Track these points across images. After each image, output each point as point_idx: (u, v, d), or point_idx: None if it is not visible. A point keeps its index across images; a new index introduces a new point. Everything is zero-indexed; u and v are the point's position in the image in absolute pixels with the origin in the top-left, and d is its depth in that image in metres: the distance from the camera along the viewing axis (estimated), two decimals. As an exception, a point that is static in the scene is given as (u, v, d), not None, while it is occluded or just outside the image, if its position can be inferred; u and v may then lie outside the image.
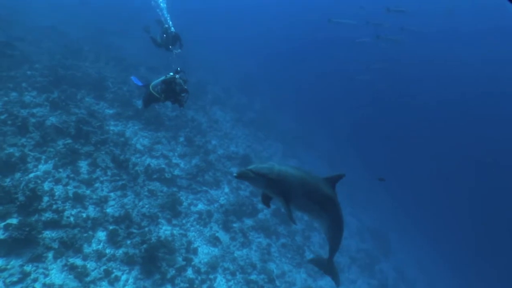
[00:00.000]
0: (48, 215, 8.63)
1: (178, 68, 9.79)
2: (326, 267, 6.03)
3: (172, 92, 9.65)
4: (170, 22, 13.51)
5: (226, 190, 14.96)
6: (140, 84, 11.34)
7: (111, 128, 13.54)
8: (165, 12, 14.44)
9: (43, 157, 10.22)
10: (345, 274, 16.14)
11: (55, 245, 8.20)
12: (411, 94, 44.80)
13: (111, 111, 14.58)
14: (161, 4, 14.59)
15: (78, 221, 9.10)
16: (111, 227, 9.67)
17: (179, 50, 13.26)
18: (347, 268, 16.63)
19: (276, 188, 4.62)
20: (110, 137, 12.78)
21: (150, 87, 9.84)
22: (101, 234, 9.41)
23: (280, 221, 15.32)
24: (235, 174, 4.48)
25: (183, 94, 9.58)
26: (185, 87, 9.59)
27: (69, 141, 11.20)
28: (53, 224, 8.59)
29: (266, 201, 5.30)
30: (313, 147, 28.26)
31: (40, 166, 9.90)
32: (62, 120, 11.73)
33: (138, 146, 13.72)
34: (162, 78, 9.85)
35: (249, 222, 14.14)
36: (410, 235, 27.18)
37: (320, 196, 4.89)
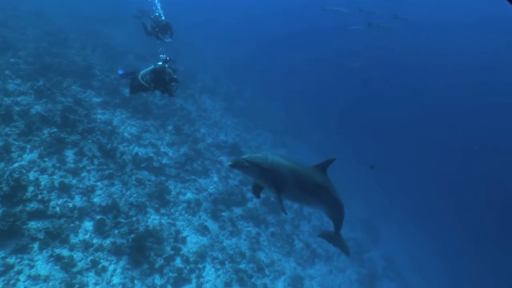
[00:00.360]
0: (33, 205, 8.48)
1: (167, 58, 9.63)
2: (334, 240, 5.96)
3: (161, 81, 9.49)
4: (161, 11, 13.18)
5: (215, 179, 14.88)
6: (126, 72, 11.10)
7: (98, 116, 13.33)
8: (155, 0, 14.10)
9: (28, 146, 10.02)
10: (334, 263, 16.07)
11: (41, 235, 8.07)
12: (402, 83, 44.87)
13: (98, 100, 14.35)
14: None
15: (64, 211, 8.97)
16: (98, 217, 9.56)
17: (169, 40, 12.98)
18: (336, 257, 16.54)
19: (269, 178, 4.60)
20: (97, 125, 12.58)
21: (139, 76, 9.67)
22: (88, 224, 9.29)
23: (269, 210, 15.28)
24: (229, 163, 4.50)
25: (172, 84, 9.42)
26: (175, 76, 9.43)
27: (55, 130, 11.00)
28: (38, 215, 8.46)
29: (257, 191, 5.37)
30: (302, 137, 28.13)
31: (25, 156, 9.71)
32: (47, 108, 11.51)
33: (126, 134, 13.55)
34: (151, 67, 9.69)
35: (238, 211, 14.09)
36: (399, 223, 27.15)
37: (311, 186, 4.86)
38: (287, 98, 34.06)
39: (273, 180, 4.59)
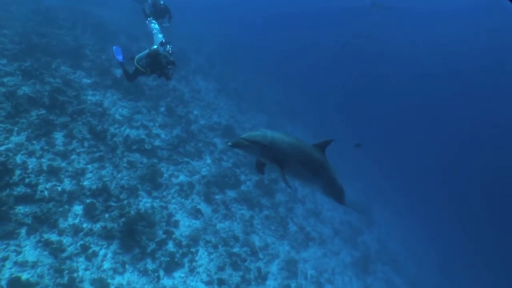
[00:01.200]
0: (20, 190, 8.22)
1: (163, 40, 9.50)
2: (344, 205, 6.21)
3: (158, 65, 9.42)
4: None
5: (208, 161, 14.69)
6: (120, 59, 10.91)
7: (89, 98, 12.98)
8: None
9: (15, 128, 9.71)
10: (328, 246, 16.06)
11: (28, 220, 7.85)
12: (403, 70, 44.66)
13: (88, 81, 13.97)
14: None
15: (53, 195, 8.74)
16: (88, 201, 9.35)
17: (168, 24, 12.71)
18: (330, 240, 16.58)
19: (270, 155, 4.69)
20: (87, 107, 12.25)
21: (135, 61, 9.53)
22: (78, 208, 9.08)
23: (263, 193, 15.17)
24: (229, 144, 4.63)
25: (169, 67, 9.27)
26: (171, 59, 9.24)
27: (43, 111, 10.67)
28: (26, 199, 8.21)
29: (260, 168, 5.41)
30: (298, 119, 27.99)
31: (12, 138, 9.41)
32: (35, 89, 11.14)
33: (117, 116, 13.24)
34: (146, 51, 9.59)
35: (231, 194, 13.95)
36: (394, 206, 27.35)
37: (312, 162, 4.98)
38: (283, 80, 33.73)
39: (274, 157, 4.70)
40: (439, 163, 39.01)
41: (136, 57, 9.65)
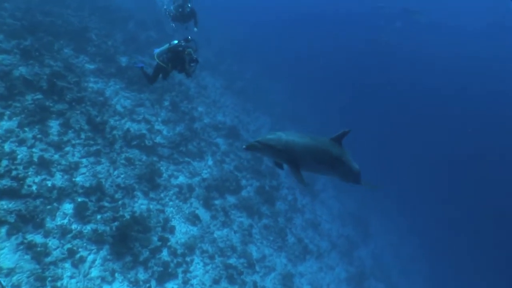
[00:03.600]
0: (5, 183, 7.36)
1: (189, 37, 8.82)
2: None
3: (180, 60, 8.72)
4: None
5: (210, 162, 13.93)
6: (141, 65, 10.18)
7: (90, 85, 12.13)
8: None
9: (7, 112, 8.88)
10: (325, 260, 15.57)
11: (11, 218, 7.00)
12: (407, 79, 44.17)
13: (91, 66, 13.09)
14: None
15: (41, 191, 7.91)
16: (79, 199, 8.54)
17: (196, 29, 11.96)
18: (327, 254, 16.01)
19: (285, 157, 4.89)
20: (88, 95, 11.40)
21: (155, 56, 8.84)
22: (68, 207, 8.27)
23: (263, 200, 14.54)
24: (244, 146, 4.88)
25: (192, 64, 8.58)
26: (195, 57, 8.53)
27: (40, 96, 9.81)
28: (10, 193, 7.36)
29: (279, 164, 5.52)
30: (302, 123, 27.25)
31: (2, 123, 8.58)
32: (33, 72, 10.26)
33: (118, 107, 12.42)
34: (166, 46, 8.92)
35: (231, 199, 13.25)
36: (389, 218, 27.00)
37: (328, 159, 5.12)
38: (290, 82, 33.10)
39: (289, 158, 4.88)
40: (438, 173, 38.67)
41: (156, 52, 8.96)
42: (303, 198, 17.89)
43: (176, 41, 8.74)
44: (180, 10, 11.74)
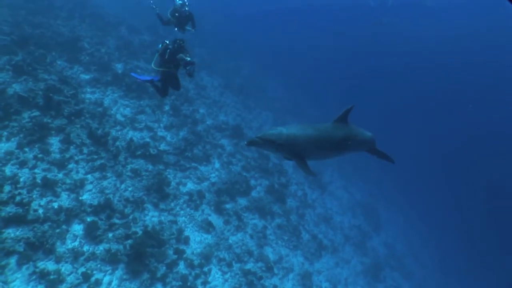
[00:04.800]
0: (10, 210, 6.93)
1: (178, 39, 8.40)
2: (376, 154, 6.14)
3: (175, 62, 8.26)
4: (186, 0, 11.43)
5: (217, 165, 13.54)
6: (146, 78, 9.68)
7: (87, 96, 11.67)
8: None
9: (4, 133, 8.44)
10: (340, 254, 15.34)
11: (20, 247, 6.59)
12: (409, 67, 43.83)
13: (87, 76, 12.60)
14: None
15: (48, 214, 7.49)
16: (89, 219, 8.12)
17: (192, 30, 11.50)
18: (341, 247, 15.77)
19: (288, 151, 4.84)
20: (86, 107, 10.94)
21: (152, 65, 8.56)
22: (77, 228, 7.86)
23: (274, 199, 14.22)
24: (245, 142, 4.87)
25: (188, 67, 8.10)
26: (188, 59, 8.02)
27: (37, 113, 9.35)
28: (16, 220, 6.94)
29: (287, 156, 5.31)
30: (302, 115, 26.93)
31: (0, 145, 8.15)
32: (27, 88, 9.79)
33: (119, 116, 11.97)
34: (156, 54, 8.54)
35: (243, 201, 12.88)
36: (397, 205, 26.99)
37: (334, 143, 5.10)
38: (286, 75, 32.76)
39: (292, 152, 4.83)
40: (441, 160, 38.47)
41: (152, 65, 8.57)
42: (312, 192, 17.64)
43: (160, 45, 8.38)
44: (176, 15, 11.23)
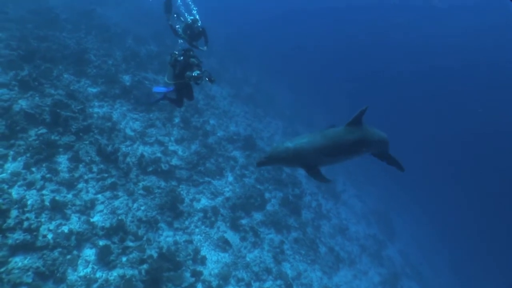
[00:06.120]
0: (17, 237, 6.44)
1: (183, 50, 8.11)
2: (386, 159, 5.93)
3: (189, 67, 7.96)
4: (197, 16, 11.01)
5: (230, 178, 13.07)
6: (165, 90, 9.32)
7: (95, 110, 11.23)
8: (190, 2, 11.92)
9: (11, 153, 8.00)
10: (357, 266, 15.02)
11: (28, 278, 6.07)
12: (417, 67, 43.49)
13: (94, 90, 12.15)
14: None
15: (58, 239, 6.99)
16: (101, 243, 7.63)
17: (205, 48, 11.08)
18: (358, 259, 15.39)
19: (298, 164, 4.80)
20: (94, 122, 10.48)
21: (166, 78, 8.34)
22: (89, 253, 7.36)
23: (289, 212, 13.83)
24: (256, 163, 4.89)
25: (198, 82, 7.76)
26: (195, 74, 7.66)
27: (44, 130, 8.91)
28: (24, 248, 6.45)
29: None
30: (311, 123, 26.61)
31: (6, 166, 7.69)
32: (34, 104, 9.36)
33: (128, 131, 11.52)
34: (169, 66, 8.26)
35: (258, 216, 12.40)
36: (408, 209, 27.17)
37: (345, 148, 4.90)
38: (293, 81, 32.61)
39: (302, 163, 4.75)
40: (450, 163, 38.14)
41: (166, 78, 8.24)
42: (326, 202, 17.30)
43: (176, 52, 8.06)
44: (188, 32, 10.78)
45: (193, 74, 7.55)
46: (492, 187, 36.03)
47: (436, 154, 38.73)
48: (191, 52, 8.09)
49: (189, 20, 10.79)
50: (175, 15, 11.31)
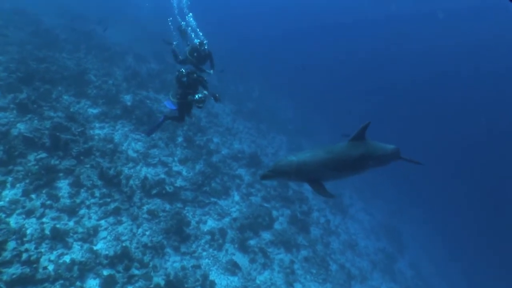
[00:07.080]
0: (14, 271, 6.04)
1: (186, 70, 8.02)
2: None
3: (193, 87, 8.15)
4: (205, 40, 10.83)
5: (237, 198, 12.72)
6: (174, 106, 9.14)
7: (96, 132, 10.93)
8: (194, 25, 11.83)
9: (9, 179, 7.68)
10: (369, 282, 14.52)
11: (28, 316, 5.72)
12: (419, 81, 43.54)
13: (95, 111, 11.89)
14: (190, 19, 12.11)
15: (59, 271, 6.59)
16: (105, 272, 7.24)
17: (211, 71, 10.88)
18: (369, 275, 14.96)
19: (301, 178, 4.74)
20: (95, 144, 10.17)
21: (170, 96, 8.36)
22: (93, 284, 6.96)
23: (298, 229, 13.44)
24: (260, 177, 4.93)
25: (201, 105, 7.76)
26: (197, 96, 7.57)
27: (43, 155, 8.60)
28: (23, 282, 6.05)
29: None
30: (313, 136, 26.39)
31: (4, 193, 7.36)
32: (33, 127, 9.07)
33: (130, 152, 11.20)
34: (175, 82, 8.20)
35: (267, 236, 12.01)
36: (416, 220, 26.60)
37: (349, 164, 4.88)
38: (295, 95, 32.47)
39: (305, 178, 4.70)
40: (456, 171, 37.84)
41: (170, 95, 8.08)
42: (334, 217, 16.97)
43: (183, 70, 7.95)
44: (195, 54, 10.53)
45: (195, 98, 7.42)
46: (503, 195, 35.61)
47: (442, 161, 38.41)
48: (195, 75, 7.92)
49: (196, 42, 10.58)
50: (180, 31, 11.20)
